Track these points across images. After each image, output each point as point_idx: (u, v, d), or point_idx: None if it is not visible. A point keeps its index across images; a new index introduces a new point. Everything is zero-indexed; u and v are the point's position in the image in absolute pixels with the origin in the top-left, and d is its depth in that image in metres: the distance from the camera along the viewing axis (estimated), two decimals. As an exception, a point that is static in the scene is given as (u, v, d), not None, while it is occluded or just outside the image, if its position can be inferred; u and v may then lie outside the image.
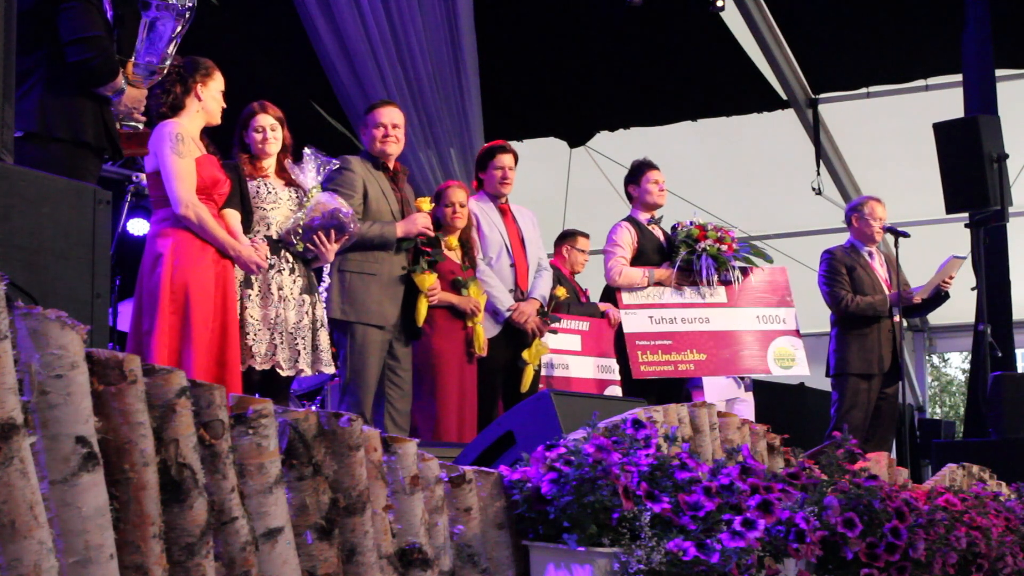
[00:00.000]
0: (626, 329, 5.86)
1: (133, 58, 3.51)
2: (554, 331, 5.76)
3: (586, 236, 7.10)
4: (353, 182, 4.90)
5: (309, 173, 4.54)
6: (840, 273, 6.38)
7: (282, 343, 4.35)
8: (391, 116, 5.05)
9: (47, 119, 3.25)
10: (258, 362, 4.28)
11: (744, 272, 6.04)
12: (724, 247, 5.85)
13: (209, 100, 4.22)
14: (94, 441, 1.62)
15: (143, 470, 1.68)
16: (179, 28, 3.47)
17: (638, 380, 5.76)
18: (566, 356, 6.38)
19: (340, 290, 4.86)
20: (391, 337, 4.94)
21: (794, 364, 5.99)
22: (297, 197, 4.55)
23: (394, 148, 5.05)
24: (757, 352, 5.94)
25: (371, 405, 4.88)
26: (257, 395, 4.07)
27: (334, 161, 4.70)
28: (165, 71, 3.69)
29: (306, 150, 4.57)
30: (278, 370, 4.35)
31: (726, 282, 5.93)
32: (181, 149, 4.01)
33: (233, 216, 4.24)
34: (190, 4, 3.47)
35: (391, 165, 5.10)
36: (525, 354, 5.51)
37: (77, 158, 3.32)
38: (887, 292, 6.37)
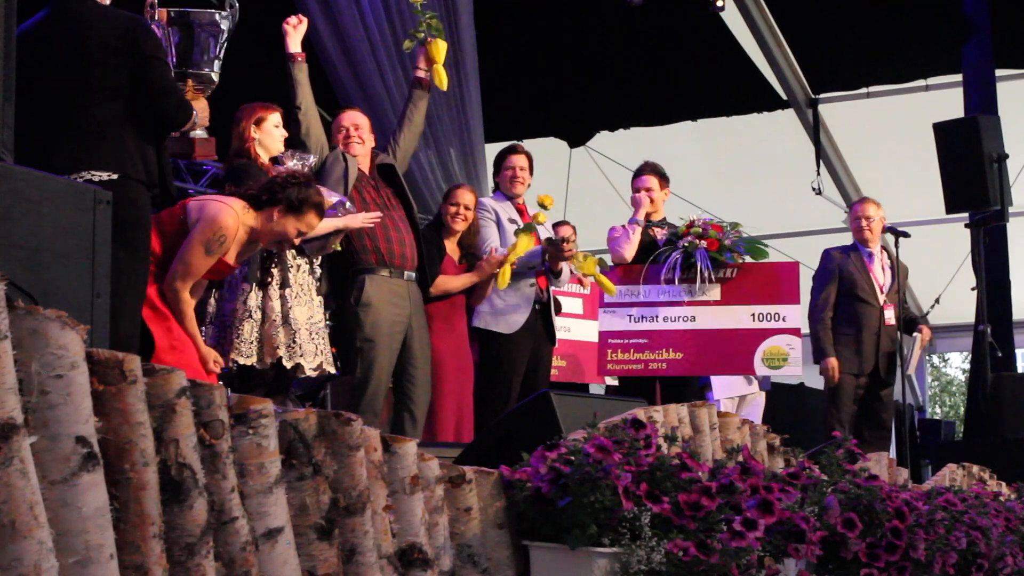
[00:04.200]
0: (600, 327, 5.86)
1: (192, 72, 3.73)
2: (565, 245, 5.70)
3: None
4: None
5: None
6: (828, 274, 6.42)
7: (316, 342, 4.37)
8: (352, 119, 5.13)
9: (148, 166, 3.45)
10: (307, 361, 4.28)
11: (742, 267, 5.88)
12: (703, 243, 5.74)
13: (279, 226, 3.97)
14: (94, 441, 1.62)
15: (143, 470, 1.68)
16: (223, 38, 3.73)
17: (646, 378, 5.75)
18: (568, 320, 6.42)
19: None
20: (403, 329, 4.93)
21: (785, 364, 5.77)
22: None
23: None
24: (744, 352, 5.74)
25: (383, 399, 4.88)
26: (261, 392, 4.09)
27: (311, 157, 4.71)
28: (216, 80, 3.81)
29: (285, 151, 4.59)
30: (311, 372, 4.36)
31: (722, 279, 5.81)
32: (215, 249, 3.78)
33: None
34: (228, 23, 3.72)
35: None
36: (579, 269, 5.59)
37: (148, 200, 3.52)
38: (880, 298, 6.39)
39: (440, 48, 5.20)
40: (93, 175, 3.24)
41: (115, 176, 3.30)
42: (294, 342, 4.26)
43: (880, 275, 6.49)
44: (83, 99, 3.32)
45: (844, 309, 6.44)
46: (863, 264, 6.47)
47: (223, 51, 3.73)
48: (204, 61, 3.70)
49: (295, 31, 4.94)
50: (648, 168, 6.02)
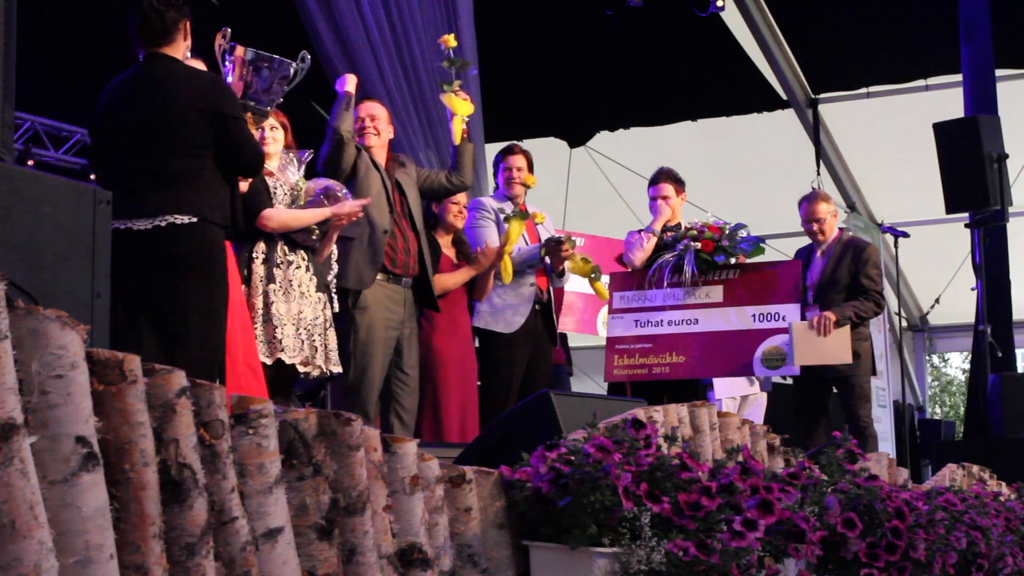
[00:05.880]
0: (608, 334, 5.85)
1: (253, 105, 4.06)
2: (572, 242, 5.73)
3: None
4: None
5: (290, 168, 4.57)
6: None
7: (307, 339, 4.37)
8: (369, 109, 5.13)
9: (223, 209, 3.77)
10: (288, 356, 4.29)
11: (742, 268, 5.85)
12: (696, 245, 5.72)
13: None
14: (94, 441, 1.61)
15: (143, 470, 1.68)
16: (290, 86, 4.10)
17: (653, 383, 5.75)
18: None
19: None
20: (397, 334, 4.93)
21: (783, 364, 5.72)
22: (291, 196, 4.59)
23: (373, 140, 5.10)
24: (744, 353, 5.69)
25: (375, 401, 4.87)
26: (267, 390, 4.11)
27: (307, 152, 4.71)
28: (269, 115, 4.20)
29: (280, 151, 4.61)
30: (300, 367, 4.36)
31: (720, 280, 5.78)
32: None
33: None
34: (299, 74, 4.07)
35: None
36: (574, 271, 5.68)
37: (222, 239, 3.85)
38: (809, 296, 6.16)
39: (456, 101, 5.18)
40: (176, 219, 3.60)
41: (195, 219, 3.66)
42: (274, 338, 4.27)
43: (816, 275, 6.22)
44: (167, 151, 3.63)
45: None
46: (808, 262, 6.33)
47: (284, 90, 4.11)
48: (268, 100, 4.07)
49: (352, 81, 5.03)
50: (663, 175, 6.00)
